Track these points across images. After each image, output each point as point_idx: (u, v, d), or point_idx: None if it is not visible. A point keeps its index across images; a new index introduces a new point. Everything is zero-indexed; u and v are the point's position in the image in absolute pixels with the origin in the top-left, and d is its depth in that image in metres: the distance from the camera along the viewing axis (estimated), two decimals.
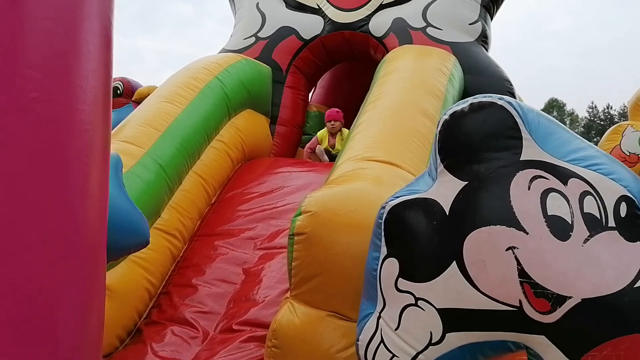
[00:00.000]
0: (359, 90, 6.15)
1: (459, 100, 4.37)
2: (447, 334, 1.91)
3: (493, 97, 1.90)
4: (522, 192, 1.79)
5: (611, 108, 54.34)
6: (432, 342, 1.93)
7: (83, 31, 1.42)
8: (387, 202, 2.06)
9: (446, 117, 1.96)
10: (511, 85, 4.99)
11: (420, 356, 1.95)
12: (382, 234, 2.04)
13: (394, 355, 1.98)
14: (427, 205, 1.95)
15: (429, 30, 5.11)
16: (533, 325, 1.77)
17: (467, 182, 1.89)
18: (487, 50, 5.32)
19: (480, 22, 5.22)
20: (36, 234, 1.36)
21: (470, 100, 1.94)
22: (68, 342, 1.47)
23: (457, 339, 1.91)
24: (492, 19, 5.48)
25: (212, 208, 4.37)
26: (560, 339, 1.75)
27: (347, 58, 5.87)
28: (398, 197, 2.05)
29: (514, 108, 1.88)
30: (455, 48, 4.96)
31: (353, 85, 6.43)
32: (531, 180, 1.80)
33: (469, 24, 5.19)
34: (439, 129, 1.98)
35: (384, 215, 2.04)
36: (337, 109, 5.42)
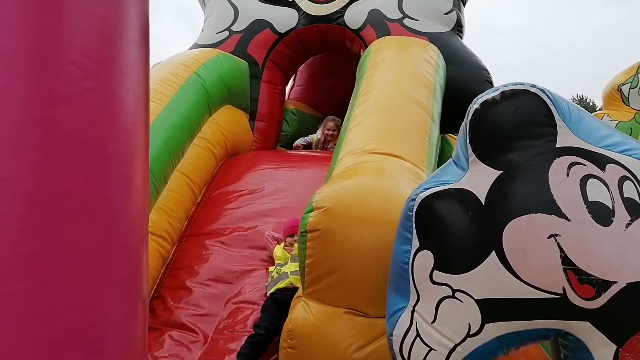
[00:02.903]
0: (339, 85, 6.13)
1: (445, 89, 4.41)
2: (485, 325, 1.89)
3: (525, 85, 1.89)
4: (561, 179, 1.79)
5: None
6: (470, 333, 1.91)
7: (130, 17, 1.33)
8: (416, 194, 2.02)
9: (477, 106, 1.94)
10: (489, 74, 5.03)
11: (457, 348, 1.93)
12: (413, 226, 2.00)
13: (431, 349, 1.95)
14: (461, 196, 1.93)
15: (406, 21, 5.10)
16: (577, 312, 1.78)
17: (502, 171, 1.87)
18: (461, 38, 5.36)
19: (454, 11, 5.24)
20: (84, 231, 1.27)
21: (502, 88, 1.92)
22: (115, 344, 1.38)
23: (496, 329, 1.89)
24: (464, 5, 5.51)
25: (199, 207, 4.24)
26: (604, 324, 1.76)
27: (322, 50, 5.81)
28: (427, 188, 2.02)
29: (547, 95, 1.88)
30: (433, 39, 4.97)
31: (333, 81, 6.38)
32: (569, 167, 1.80)
33: (444, 14, 5.21)
34: (469, 118, 1.96)
35: (415, 207, 2.00)
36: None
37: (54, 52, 1.15)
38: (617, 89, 8.38)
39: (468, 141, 1.95)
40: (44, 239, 1.18)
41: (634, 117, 8.08)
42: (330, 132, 5.58)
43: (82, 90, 1.19)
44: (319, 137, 5.64)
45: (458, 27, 5.30)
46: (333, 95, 6.23)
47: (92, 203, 1.28)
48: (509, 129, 1.88)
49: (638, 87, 8.31)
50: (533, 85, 1.89)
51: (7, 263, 1.14)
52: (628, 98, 8.28)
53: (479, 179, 1.91)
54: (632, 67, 8.38)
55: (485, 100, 1.92)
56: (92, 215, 1.28)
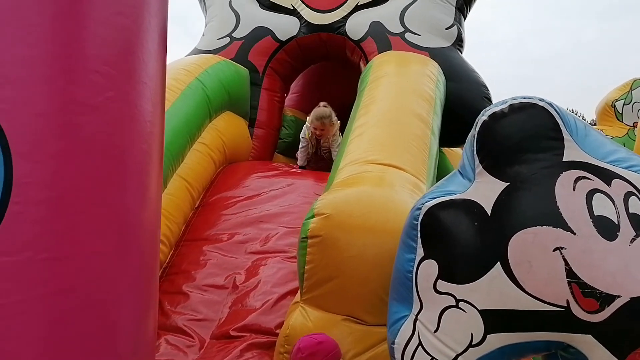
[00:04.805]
0: (335, 93, 6.15)
1: (445, 104, 4.45)
2: (488, 335, 1.90)
3: (533, 98, 1.92)
4: (568, 193, 1.81)
5: None
6: (473, 343, 1.92)
7: (150, 28, 1.35)
8: (422, 204, 2.04)
9: (485, 118, 1.96)
10: (488, 90, 5.07)
11: (459, 358, 1.94)
12: (418, 235, 2.01)
13: (433, 358, 1.96)
14: (467, 206, 1.94)
15: (407, 35, 5.14)
16: (580, 325, 1.79)
17: (509, 183, 1.89)
18: (461, 53, 5.40)
19: (455, 26, 5.28)
20: (101, 237, 1.28)
21: (510, 101, 1.95)
22: (126, 348, 1.38)
23: (498, 340, 1.90)
24: (465, 19, 5.56)
25: (197, 212, 4.23)
26: (607, 337, 1.78)
27: (322, 59, 5.83)
28: (433, 198, 2.03)
29: (555, 109, 1.90)
30: (434, 54, 5.00)
31: (329, 89, 6.39)
32: (575, 181, 1.83)
33: (446, 29, 5.24)
34: (477, 129, 1.98)
35: (420, 216, 2.02)
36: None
37: (79, 60, 1.17)
38: (611, 105, 8.51)
39: (475, 152, 1.97)
40: (63, 245, 1.20)
41: (627, 133, 8.20)
42: (318, 132, 4.96)
43: (106, 99, 1.21)
44: (310, 134, 5.12)
45: (459, 42, 5.33)
46: (329, 103, 6.26)
47: (110, 210, 1.29)
48: (516, 141, 1.90)
49: (632, 104, 8.44)
50: (541, 99, 1.92)
51: (27, 268, 1.14)
52: (622, 114, 8.40)
53: (486, 190, 1.93)
54: (626, 83, 8.52)
55: (494, 113, 1.95)
56: (109, 222, 1.29)
